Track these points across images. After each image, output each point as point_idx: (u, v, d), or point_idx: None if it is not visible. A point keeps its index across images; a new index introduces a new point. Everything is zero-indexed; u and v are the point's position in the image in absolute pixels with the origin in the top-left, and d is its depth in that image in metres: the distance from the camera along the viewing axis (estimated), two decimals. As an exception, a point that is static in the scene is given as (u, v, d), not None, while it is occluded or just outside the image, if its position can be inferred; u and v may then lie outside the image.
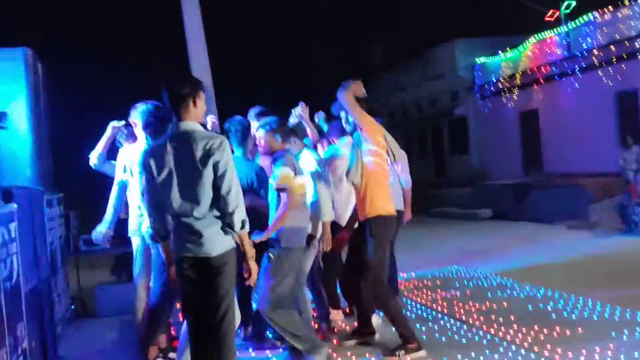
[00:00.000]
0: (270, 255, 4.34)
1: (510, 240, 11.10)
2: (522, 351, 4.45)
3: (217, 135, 3.34)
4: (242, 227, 3.30)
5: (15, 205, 3.96)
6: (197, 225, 3.32)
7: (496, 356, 4.38)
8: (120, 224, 7.35)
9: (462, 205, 15.81)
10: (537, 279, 7.13)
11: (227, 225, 3.29)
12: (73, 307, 7.05)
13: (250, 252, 3.37)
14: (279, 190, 4.30)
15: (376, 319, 5.12)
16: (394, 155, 4.80)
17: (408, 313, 5.52)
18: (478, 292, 6.47)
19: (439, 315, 5.65)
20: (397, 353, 4.45)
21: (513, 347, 4.57)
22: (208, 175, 3.26)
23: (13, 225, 3.88)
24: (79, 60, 20.39)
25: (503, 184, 16.19)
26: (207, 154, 3.26)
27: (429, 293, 6.37)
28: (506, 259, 8.94)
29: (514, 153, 19.45)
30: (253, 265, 3.40)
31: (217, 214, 3.29)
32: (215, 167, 3.25)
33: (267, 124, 4.51)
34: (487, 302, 5.94)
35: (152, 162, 3.39)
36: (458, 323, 5.34)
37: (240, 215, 3.28)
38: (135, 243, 5.12)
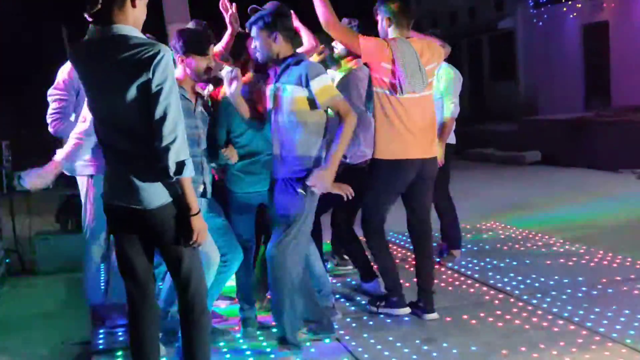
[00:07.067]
0: (301, 190, 4.16)
1: (562, 191, 11.19)
2: (550, 316, 4.71)
3: (157, 44, 3.07)
4: (180, 171, 3.06)
5: None
6: (127, 166, 3.19)
7: (519, 322, 4.62)
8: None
9: (505, 145, 15.86)
10: (592, 240, 7.25)
11: (160, 167, 3.06)
12: (8, 260, 7.19)
13: (195, 207, 3.18)
14: (329, 108, 4.18)
15: None
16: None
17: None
18: (515, 253, 6.70)
19: (469, 280, 5.88)
20: (377, 304, 5.14)
21: (540, 311, 4.81)
22: (136, 95, 3.05)
23: None
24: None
25: (557, 119, 16.20)
26: (137, 67, 3.03)
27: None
28: (555, 215, 9.06)
29: (574, 79, 19.38)
30: (197, 223, 3.19)
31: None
32: (147, 85, 3.03)
33: (259, 19, 4.22)
34: (526, 265, 6.21)
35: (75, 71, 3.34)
36: (489, 290, 5.59)
37: (176, 153, 3.05)
38: (82, 184, 5.13)
